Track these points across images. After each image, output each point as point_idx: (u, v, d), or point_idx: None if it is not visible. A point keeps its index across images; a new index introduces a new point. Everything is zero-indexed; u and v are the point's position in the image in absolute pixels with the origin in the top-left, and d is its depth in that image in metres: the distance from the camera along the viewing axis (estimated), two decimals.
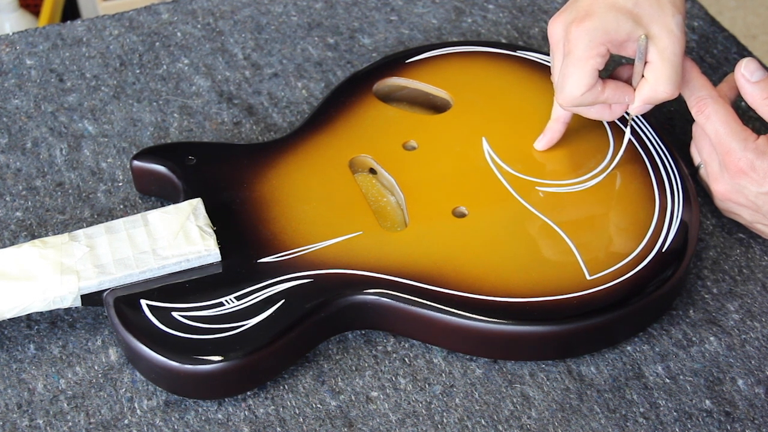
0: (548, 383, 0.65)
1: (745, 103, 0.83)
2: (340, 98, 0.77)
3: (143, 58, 0.86)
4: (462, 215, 0.68)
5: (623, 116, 0.71)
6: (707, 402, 0.64)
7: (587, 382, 0.65)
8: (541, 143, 0.72)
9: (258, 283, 0.64)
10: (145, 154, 0.73)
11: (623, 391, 0.64)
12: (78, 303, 0.63)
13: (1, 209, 0.74)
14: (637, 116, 0.74)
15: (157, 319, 0.62)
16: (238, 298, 0.63)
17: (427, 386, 0.64)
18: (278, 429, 0.62)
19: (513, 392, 0.64)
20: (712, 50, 0.88)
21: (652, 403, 0.64)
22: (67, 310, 0.68)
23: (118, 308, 0.63)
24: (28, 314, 0.67)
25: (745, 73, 0.67)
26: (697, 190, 0.72)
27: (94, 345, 0.66)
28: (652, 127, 0.74)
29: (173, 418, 0.62)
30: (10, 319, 0.67)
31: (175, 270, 0.64)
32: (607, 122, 0.74)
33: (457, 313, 0.63)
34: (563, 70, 0.66)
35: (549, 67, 0.78)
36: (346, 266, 0.65)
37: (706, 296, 0.69)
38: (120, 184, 0.76)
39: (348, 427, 0.62)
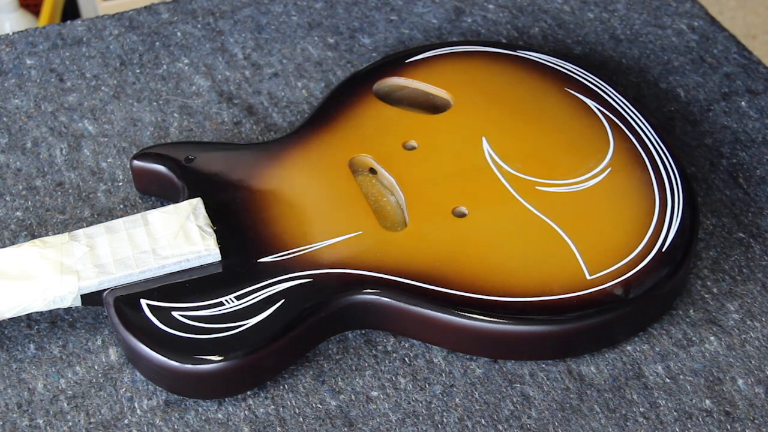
0: (548, 383, 0.65)
1: (745, 102, 0.83)
2: (340, 98, 0.77)
3: (143, 58, 0.86)
4: (462, 215, 0.68)
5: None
6: (707, 402, 0.64)
7: (587, 382, 0.65)
8: None
9: (258, 283, 0.64)
10: (145, 154, 0.73)
11: (623, 391, 0.64)
12: (78, 303, 0.63)
13: (1, 209, 0.74)
14: (636, 114, 0.74)
15: (157, 318, 0.62)
16: (238, 298, 0.63)
17: (427, 386, 0.64)
18: (278, 429, 0.62)
19: (513, 392, 0.64)
20: (712, 50, 0.88)
21: (652, 403, 0.64)
22: (67, 310, 0.68)
23: (118, 308, 0.63)
24: (28, 314, 0.67)
25: None
26: (697, 190, 0.72)
27: (94, 345, 0.66)
28: (652, 127, 0.74)
29: (173, 418, 0.62)
30: (10, 319, 0.67)
31: (175, 270, 0.64)
32: (608, 122, 0.74)
33: (457, 313, 0.63)
34: None
35: (549, 67, 0.78)
36: (346, 266, 0.65)
37: (706, 296, 0.69)
38: (120, 184, 0.76)
39: (348, 427, 0.62)
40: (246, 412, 0.63)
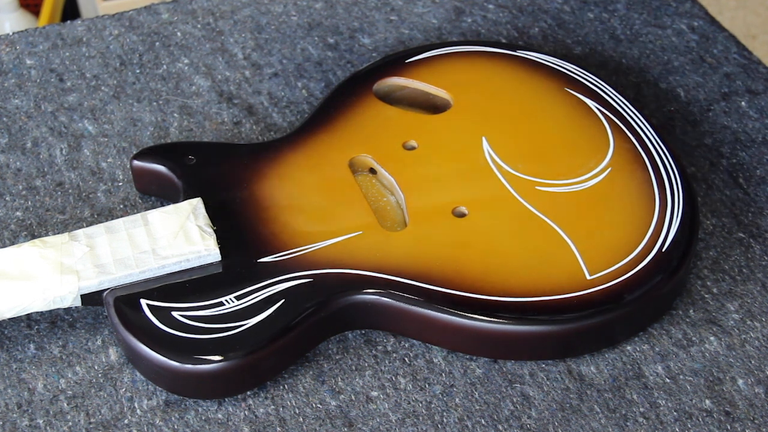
0: (548, 383, 0.65)
1: (745, 102, 0.83)
2: (340, 98, 0.77)
3: (143, 58, 0.86)
4: (462, 215, 0.68)
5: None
6: (707, 402, 0.64)
7: (587, 382, 0.65)
8: None
9: (258, 283, 0.64)
10: (145, 153, 0.73)
11: (623, 391, 0.64)
12: (78, 303, 0.63)
13: (1, 209, 0.74)
14: (636, 114, 0.74)
15: (157, 318, 0.62)
16: (238, 298, 0.63)
17: (427, 386, 0.64)
18: (278, 429, 0.62)
19: (513, 392, 0.64)
20: (712, 50, 0.88)
21: (652, 403, 0.64)
22: (67, 310, 0.68)
23: (118, 308, 0.63)
24: (28, 314, 0.67)
25: None
26: (697, 190, 0.72)
27: (94, 345, 0.66)
28: (652, 127, 0.74)
29: (173, 418, 0.62)
30: (10, 319, 0.67)
31: (175, 270, 0.64)
32: (608, 123, 0.74)
33: (457, 313, 0.63)
34: None
35: (549, 67, 0.78)
36: (346, 266, 0.65)
37: (706, 296, 0.69)
38: (120, 184, 0.76)
39: (348, 427, 0.62)
40: (246, 412, 0.63)
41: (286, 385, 0.64)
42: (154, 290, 0.63)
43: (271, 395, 0.64)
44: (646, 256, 0.66)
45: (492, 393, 0.64)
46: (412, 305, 0.64)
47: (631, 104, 0.75)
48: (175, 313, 0.62)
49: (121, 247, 0.65)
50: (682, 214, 0.68)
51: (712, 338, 0.67)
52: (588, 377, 0.65)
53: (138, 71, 0.85)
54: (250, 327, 0.62)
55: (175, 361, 0.61)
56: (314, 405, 0.63)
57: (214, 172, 0.71)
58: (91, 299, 0.64)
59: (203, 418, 0.62)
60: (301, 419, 0.62)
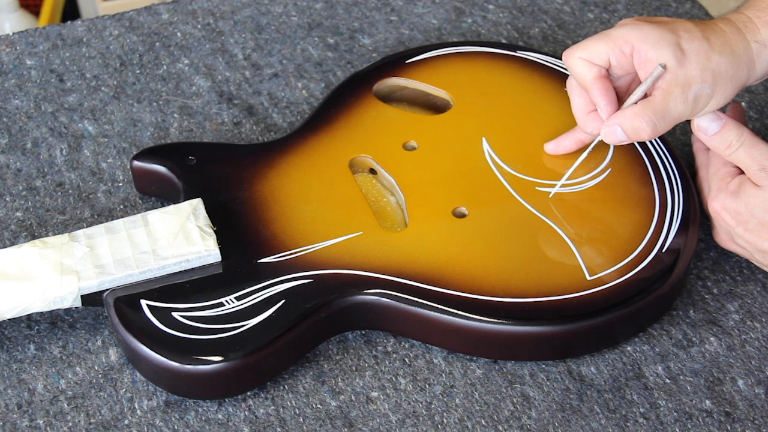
0: (548, 383, 0.65)
1: (745, 103, 0.83)
2: (340, 98, 0.77)
3: (143, 58, 0.86)
4: (462, 215, 0.68)
5: None
6: (707, 402, 0.64)
7: (587, 382, 0.65)
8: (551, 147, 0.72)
9: (258, 284, 0.64)
10: (145, 154, 0.73)
11: (623, 391, 0.64)
12: (78, 303, 0.63)
13: (1, 209, 0.74)
14: None
15: (157, 319, 0.62)
16: (238, 299, 0.63)
17: (427, 386, 0.64)
18: (278, 429, 0.62)
19: (513, 392, 0.64)
20: None
21: (652, 403, 0.64)
22: (67, 310, 0.68)
23: (118, 308, 0.63)
24: (28, 314, 0.67)
25: (700, 133, 0.67)
26: (696, 191, 0.72)
27: (94, 345, 0.66)
28: None
29: (173, 418, 0.62)
30: (10, 319, 0.67)
31: (175, 270, 0.65)
32: None
33: (457, 313, 0.63)
34: None
35: (549, 67, 0.78)
36: (346, 266, 0.65)
37: (706, 296, 0.69)
38: (120, 184, 0.76)
39: (348, 427, 0.62)
40: (246, 413, 0.63)
41: (286, 386, 0.64)
42: (155, 291, 0.63)
43: (271, 395, 0.64)
44: (646, 257, 0.66)
45: (492, 393, 0.64)
46: (412, 306, 0.64)
47: None
48: (175, 314, 0.62)
49: (121, 248, 0.65)
50: (682, 214, 0.68)
51: (712, 338, 0.67)
52: (588, 378, 0.65)
53: (138, 71, 0.85)
54: (250, 327, 0.62)
55: (175, 361, 0.61)
56: (314, 405, 0.63)
57: (215, 173, 0.71)
58: (92, 300, 0.64)
59: (203, 418, 0.62)
60: (301, 419, 0.62)
